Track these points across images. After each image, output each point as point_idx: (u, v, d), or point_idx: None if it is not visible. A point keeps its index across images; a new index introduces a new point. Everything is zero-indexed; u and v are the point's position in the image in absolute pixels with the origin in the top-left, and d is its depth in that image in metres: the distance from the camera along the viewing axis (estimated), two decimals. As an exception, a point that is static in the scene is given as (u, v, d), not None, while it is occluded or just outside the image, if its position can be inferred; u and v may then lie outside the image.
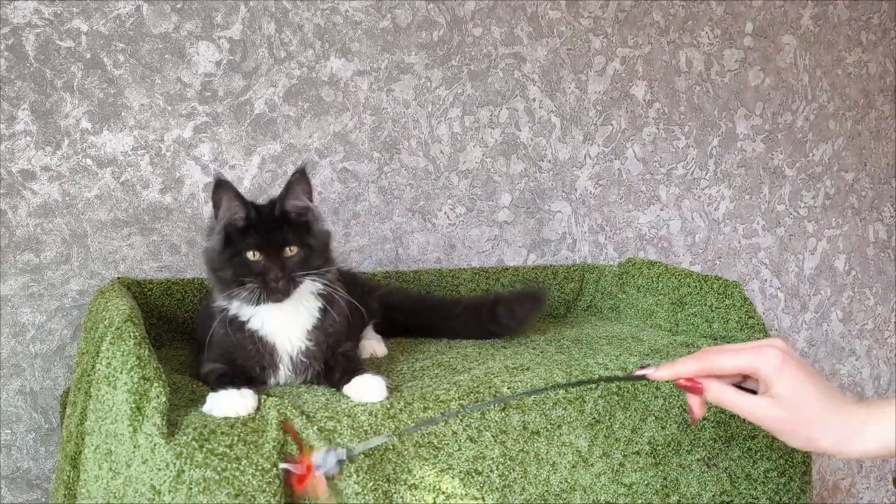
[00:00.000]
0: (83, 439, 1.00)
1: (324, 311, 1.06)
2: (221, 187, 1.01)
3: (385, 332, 1.34)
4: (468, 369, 1.14)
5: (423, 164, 1.65)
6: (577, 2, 1.76)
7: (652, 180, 1.88)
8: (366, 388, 0.99)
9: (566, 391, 1.07)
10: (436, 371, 1.14)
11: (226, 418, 0.91)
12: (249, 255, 1.00)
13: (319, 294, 1.05)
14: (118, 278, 1.36)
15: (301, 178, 1.03)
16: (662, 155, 1.88)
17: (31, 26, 1.33)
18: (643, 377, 0.90)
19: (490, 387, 1.05)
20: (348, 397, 1.00)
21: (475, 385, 1.05)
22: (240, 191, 1.01)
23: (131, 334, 0.94)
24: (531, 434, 1.03)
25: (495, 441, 1.00)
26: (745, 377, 0.87)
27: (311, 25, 1.52)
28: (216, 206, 1.02)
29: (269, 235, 1.00)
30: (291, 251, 1.01)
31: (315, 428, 0.91)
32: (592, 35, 1.79)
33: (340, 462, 0.86)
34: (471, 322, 1.37)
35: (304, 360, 1.05)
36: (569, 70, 1.77)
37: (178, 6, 1.42)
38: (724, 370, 0.86)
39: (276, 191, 1.50)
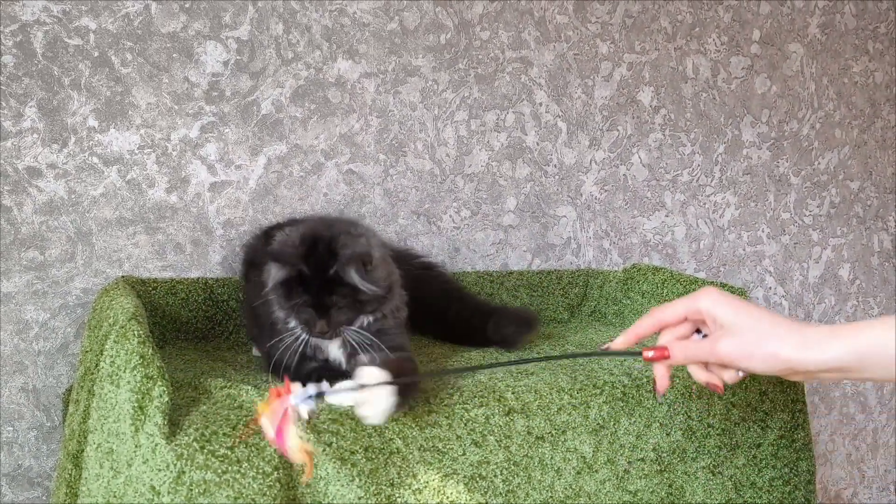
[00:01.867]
0: (85, 437, 0.99)
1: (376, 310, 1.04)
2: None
3: None
4: (472, 374, 1.14)
5: (429, 167, 1.64)
6: (584, 7, 1.76)
7: (657, 186, 1.87)
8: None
9: (570, 396, 1.07)
10: (440, 375, 1.14)
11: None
12: (297, 299, 0.99)
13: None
14: (122, 277, 1.36)
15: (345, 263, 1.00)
16: (668, 161, 1.88)
17: (40, 24, 1.33)
18: (606, 351, 0.98)
19: (494, 392, 1.05)
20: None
21: (479, 390, 1.05)
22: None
23: (135, 333, 0.94)
24: (536, 439, 1.02)
25: (499, 446, 1.00)
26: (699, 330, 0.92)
27: (318, 27, 1.52)
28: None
29: (318, 293, 0.99)
30: (339, 307, 0.99)
31: (316, 431, 0.91)
32: (599, 40, 1.79)
33: (316, 396, 0.85)
34: (461, 331, 1.34)
35: (356, 344, 1.02)
36: (575, 75, 1.77)
37: (187, 6, 1.42)
38: (671, 318, 0.92)
39: (281, 192, 1.50)
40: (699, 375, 0.92)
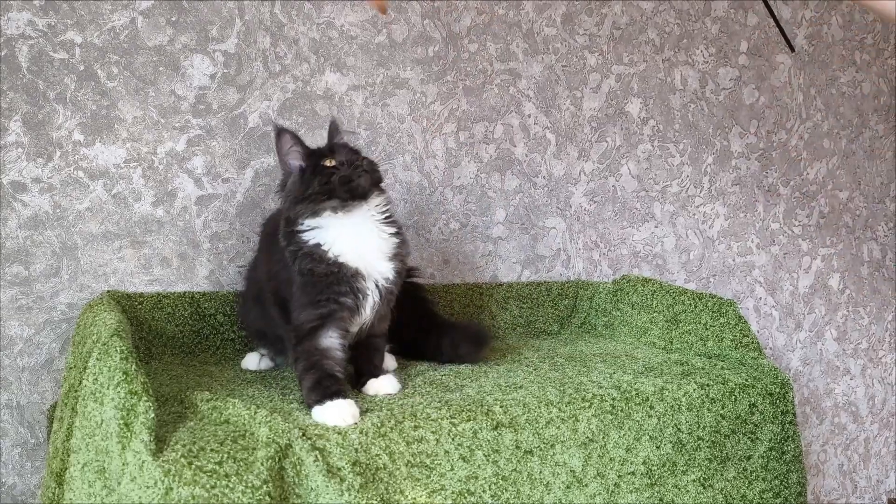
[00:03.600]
0: (69, 456, 0.98)
1: (398, 234, 1.18)
2: (283, 134, 1.17)
3: None
4: (460, 387, 1.13)
5: (418, 179, 1.64)
6: (572, 19, 1.77)
7: (647, 197, 1.87)
8: (385, 385, 1.12)
9: (559, 409, 1.06)
10: (427, 389, 1.13)
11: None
12: (326, 162, 1.14)
13: (390, 219, 1.18)
14: (108, 292, 1.35)
15: (334, 125, 1.23)
16: (657, 172, 1.88)
17: (25, 38, 1.32)
18: None
19: (482, 405, 1.04)
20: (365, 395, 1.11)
21: (467, 404, 1.04)
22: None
23: (117, 349, 0.93)
24: (524, 453, 1.02)
25: (488, 460, 0.99)
26: None
27: (306, 40, 1.52)
28: (281, 153, 1.17)
29: (336, 148, 1.17)
30: (360, 160, 1.15)
31: (308, 444, 0.90)
32: (588, 52, 1.79)
33: None
34: (419, 348, 1.35)
35: (388, 285, 1.14)
36: (564, 87, 1.77)
37: (174, 19, 1.42)
38: None
39: (269, 205, 1.49)
40: None
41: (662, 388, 1.15)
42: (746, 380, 1.21)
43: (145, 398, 0.88)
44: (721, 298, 1.40)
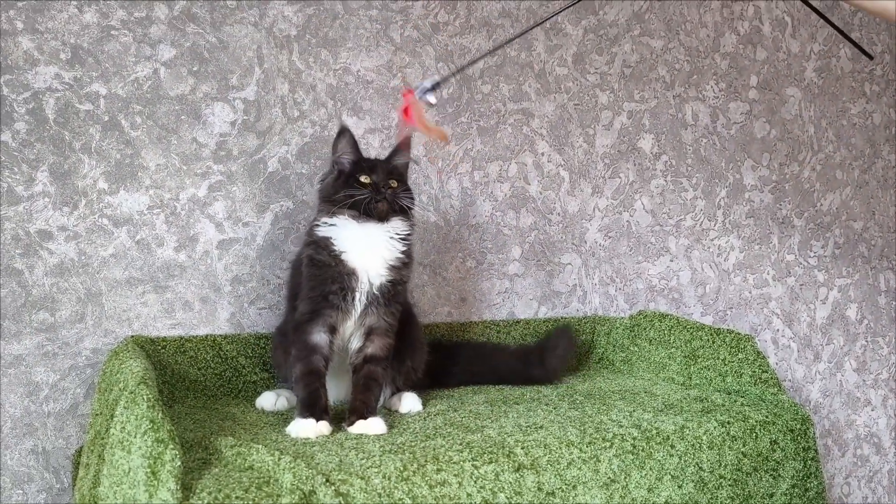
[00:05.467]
0: None
1: (405, 255, 1.26)
2: (343, 133, 1.29)
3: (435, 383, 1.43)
4: (481, 428, 1.14)
5: (434, 219, 1.66)
6: (583, 58, 1.80)
7: (661, 231, 1.89)
8: (372, 428, 1.14)
9: (580, 450, 1.06)
10: (448, 430, 1.14)
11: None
12: (362, 178, 1.25)
13: (403, 240, 1.26)
14: (132, 337, 1.37)
15: (406, 142, 1.34)
16: (671, 206, 1.90)
17: (52, 90, 1.37)
18: None
19: (503, 447, 1.04)
20: (350, 433, 1.14)
21: (488, 446, 1.05)
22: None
23: (144, 397, 0.94)
24: (546, 495, 1.02)
25: (510, 503, 0.99)
26: None
27: (323, 85, 1.56)
28: (334, 150, 1.30)
29: (378, 167, 1.28)
30: (394, 184, 1.26)
31: (332, 489, 0.91)
32: (599, 90, 1.82)
33: (434, 86, 1.14)
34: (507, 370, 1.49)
35: (378, 294, 1.22)
36: (576, 124, 1.80)
37: (195, 69, 1.46)
38: None
39: (289, 247, 1.52)
40: None
41: (683, 426, 1.15)
42: (767, 416, 1.21)
43: (171, 446, 0.90)
44: (739, 333, 1.40)
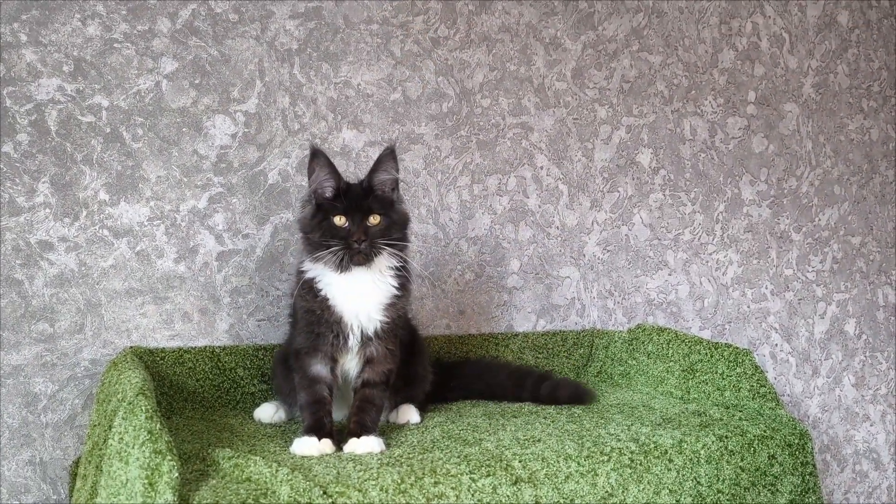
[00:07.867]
0: (93, 514, 0.99)
1: (400, 287, 1.19)
2: (316, 157, 1.15)
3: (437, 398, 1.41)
4: (479, 441, 1.14)
5: (433, 232, 1.67)
6: (582, 73, 1.81)
7: (659, 245, 1.89)
8: (366, 447, 1.10)
9: (578, 464, 1.06)
10: (446, 443, 1.14)
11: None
12: (336, 220, 1.14)
13: (397, 274, 1.18)
14: (131, 348, 1.37)
15: (390, 155, 1.18)
16: (669, 221, 1.90)
17: (54, 102, 1.37)
18: None
19: (501, 460, 1.04)
20: (343, 451, 1.11)
21: (486, 459, 1.05)
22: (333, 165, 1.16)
23: (142, 408, 0.95)
24: (544, 509, 1.02)
25: (507, 516, 0.99)
26: None
27: (324, 98, 1.57)
28: (309, 175, 1.17)
29: (356, 203, 1.14)
30: (375, 220, 1.14)
31: (329, 502, 0.91)
32: (598, 105, 1.83)
33: None
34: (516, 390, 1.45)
35: (373, 335, 1.17)
36: (575, 139, 1.81)
37: (197, 81, 1.47)
38: None
39: (288, 259, 1.52)
40: None
41: (681, 440, 1.15)
42: (765, 431, 1.21)
43: (169, 457, 0.90)
44: (737, 348, 1.41)
